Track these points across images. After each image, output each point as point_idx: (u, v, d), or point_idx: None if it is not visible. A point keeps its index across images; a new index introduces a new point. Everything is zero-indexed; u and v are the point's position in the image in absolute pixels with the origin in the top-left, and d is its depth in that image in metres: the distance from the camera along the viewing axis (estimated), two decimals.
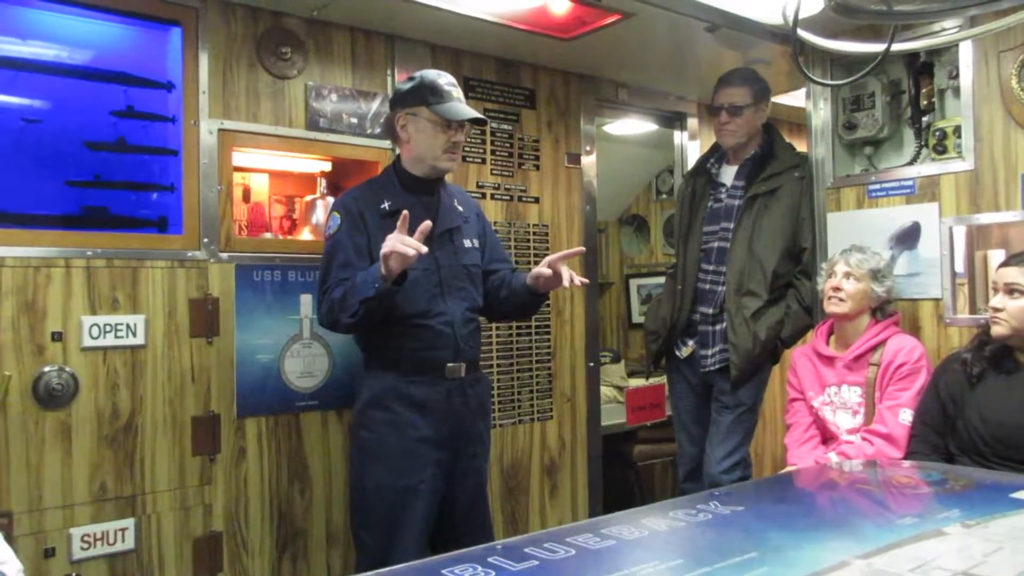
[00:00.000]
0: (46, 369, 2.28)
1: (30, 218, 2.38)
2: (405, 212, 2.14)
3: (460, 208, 2.55)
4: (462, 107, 2.39)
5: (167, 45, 2.58)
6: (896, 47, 2.12)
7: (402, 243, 2.09)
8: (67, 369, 2.31)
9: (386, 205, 2.37)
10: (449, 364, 2.38)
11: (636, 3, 2.72)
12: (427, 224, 2.15)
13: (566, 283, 2.34)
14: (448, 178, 2.94)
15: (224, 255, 2.59)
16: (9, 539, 2.14)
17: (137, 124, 2.55)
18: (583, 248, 2.53)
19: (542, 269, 2.38)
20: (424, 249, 2.11)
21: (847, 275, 2.68)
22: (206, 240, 2.56)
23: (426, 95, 2.38)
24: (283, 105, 2.73)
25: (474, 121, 2.42)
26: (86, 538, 2.33)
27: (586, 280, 2.44)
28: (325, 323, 2.39)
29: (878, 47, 2.55)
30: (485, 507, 2.58)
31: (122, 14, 2.49)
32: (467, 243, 2.51)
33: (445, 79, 2.41)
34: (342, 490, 2.77)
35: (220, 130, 2.59)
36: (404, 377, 2.36)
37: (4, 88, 2.35)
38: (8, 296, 2.24)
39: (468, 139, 3.16)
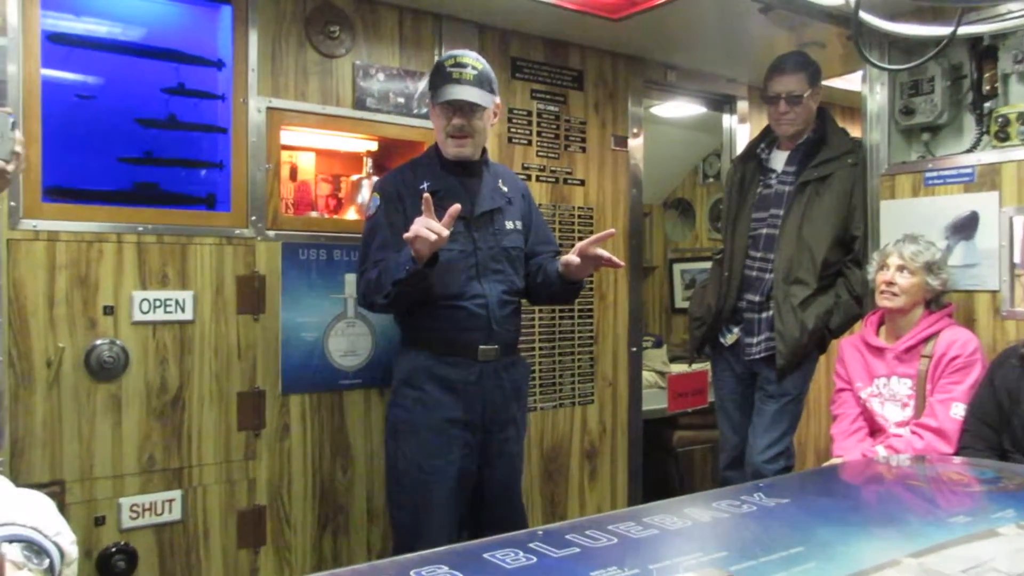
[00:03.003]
0: (98, 342, 2.33)
1: (83, 193, 2.42)
2: (427, 196, 2.12)
3: (504, 189, 2.52)
4: (451, 88, 2.32)
5: (218, 23, 2.60)
6: (960, 30, 2.05)
7: (426, 227, 2.08)
8: (118, 342, 2.35)
9: (425, 186, 2.34)
10: (482, 346, 2.37)
11: None
12: (456, 207, 2.14)
13: (603, 256, 2.30)
14: (492, 158, 2.93)
15: (271, 233, 2.61)
16: (61, 507, 2.19)
17: (188, 101, 2.58)
18: (614, 231, 2.47)
19: (571, 257, 2.35)
20: (446, 233, 2.09)
21: (900, 268, 2.60)
22: (253, 218, 2.58)
23: (433, 80, 2.38)
24: (331, 84, 2.74)
25: (464, 105, 2.33)
26: (135, 508, 2.38)
27: (621, 263, 2.40)
28: (363, 303, 2.42)
29: (940, 30, 2.47)
30: (518, 492, 2.56)
31: None
32: (509, 225, 2.48)
33: (452, 60, 2.35)
34: (383, 468, 2.78)
35: (268, 108, 2.60)
36: (436, 357, 2.36)
37: (58, 64, 2.38)
38: (62, 270, 2.28)
39: (514, 121, 3.14)
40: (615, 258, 2.32)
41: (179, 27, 2.59)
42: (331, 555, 2.73)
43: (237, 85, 2.56)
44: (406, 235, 2.12)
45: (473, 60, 2.37)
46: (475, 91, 2.33)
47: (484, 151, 2.51)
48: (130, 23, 2.52)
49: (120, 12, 2.50)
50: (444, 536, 2.22)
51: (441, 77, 2.35)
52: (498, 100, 2.45)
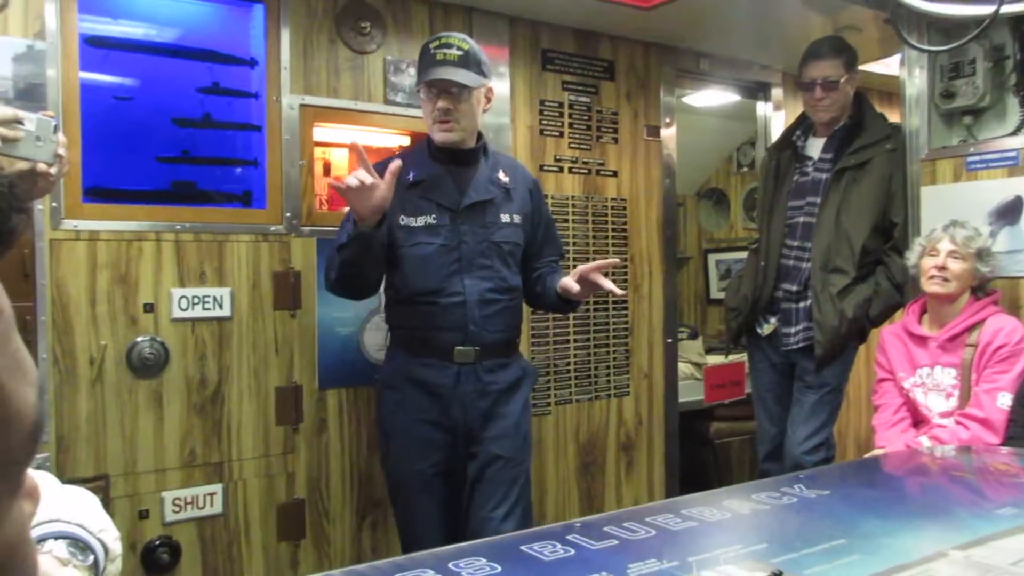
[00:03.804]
0: (139, 339, 2.36)
1: (123, 193, 2.46)
2: (354, 142, 2.05)
3: (504, 179, 2.36)
4: (435, 69, 2.20)
5: (250, 22, 2.62)
6: (1003, 9, 2.00)
7: (353, 177, 2.00)
8: (158, 339, 2.39)
9: (411, 175, 2.27)
10: (458, 347, 2.25)
11: None
12: (396, 164, 2.06)
13: (603, 284, 2.24)
14: (523, 150, 2.91)
15: (305, 229, 2.63)
16: (106, 501, 2.24)
17: (222, 100, 2.60)
18: (617, 260, 2.38)
19: (569, 283, 2.27)
20: (370, 180, 2.00)
21: (952, 253, 2.53)
22: (288, 214, 2.60)
23: (419, 63, 2.29)
24: (362, 80, 2.75)
25: (451, 84, 2.21)
26: (177, 501, 2.42)
27: (620, 291, 2.35)
28: (326, 286, 2.33)
29: (981, 10, 2.41)
30: (508, 505, 2.32)
31: None
32: (504, 218, 2.33)
33: (438, 41, 2.23)
34: None
35: (301, 105, 2.62)
36: (414, 358, 2.29)
37: (96, 67, 2.42)
38: (103, 269, 2.32)
39: (546, 112, 3.12)
40: (616, 288, 2.26)
41: (212, 27, 2.62)
42: (370, 548, 2.75)
43: (270, 83, 2.58)
44: (333, 183, 2.03)
45: (459, 40, 2.24)
46: (460, 72, 2.19)
47: (481, 138, 2.38)
48: (165, 25, 2.55)
49: (155, 14, 2.54)
50: (434, 541, 2.14)
51: (426, 59, 2.23)
52: (489, 83, 2.31)
